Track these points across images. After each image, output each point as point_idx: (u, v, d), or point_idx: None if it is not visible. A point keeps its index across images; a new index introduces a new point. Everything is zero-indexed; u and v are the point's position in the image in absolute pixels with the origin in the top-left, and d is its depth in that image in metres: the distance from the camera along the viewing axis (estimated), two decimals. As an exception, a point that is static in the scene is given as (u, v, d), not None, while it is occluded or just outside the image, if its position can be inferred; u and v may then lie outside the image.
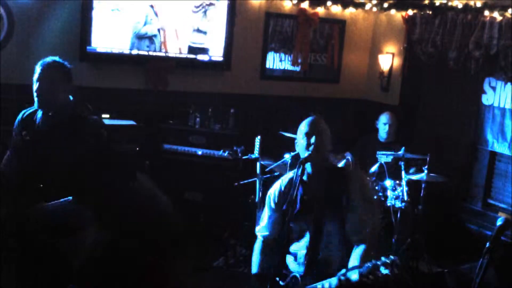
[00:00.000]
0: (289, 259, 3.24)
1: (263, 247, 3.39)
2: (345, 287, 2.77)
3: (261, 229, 3.42)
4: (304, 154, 3.16)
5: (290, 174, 3.34)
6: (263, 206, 3.51)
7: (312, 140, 3.13)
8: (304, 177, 3.20)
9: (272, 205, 3.34)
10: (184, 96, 6.34)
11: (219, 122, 6.29)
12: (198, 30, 6.24)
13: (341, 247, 3.14)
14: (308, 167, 3.18)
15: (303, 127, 3.23)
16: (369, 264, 2.70)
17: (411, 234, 5.33)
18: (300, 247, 3.19)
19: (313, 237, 3.11)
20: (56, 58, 3.58)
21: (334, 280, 2.82)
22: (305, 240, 3.15)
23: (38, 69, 3.50)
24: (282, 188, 3.31)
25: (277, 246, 3.27)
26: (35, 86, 3.47)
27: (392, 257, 2.67)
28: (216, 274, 5.13)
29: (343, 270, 2.82)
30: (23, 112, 3.65)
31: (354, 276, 2.73)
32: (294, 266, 3.21)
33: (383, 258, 2.68)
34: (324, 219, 3.09)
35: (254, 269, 3.35)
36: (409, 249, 5.29)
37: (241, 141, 5.82)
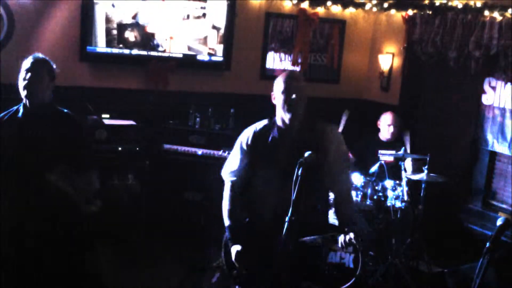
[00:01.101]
0: (259, 205, 3.24)
1: (233, 193, 3.40)
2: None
3: (231, 173, 3.41)
4: (282, 112, 3.22)
5: (264, 122, 3.36)
6: None
7: (293, 97, 3.17)
8: (281, 124, 3.25)
9: (244, 147, 3.32)
10: (184, 96, 6.35)
11: (219, 122, 6.29)
12: (198, 30, 6.25)
13: (314, 198, 3.20)
14: (278, 123, 3.26)
15: (280, 81, 3.29)
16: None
17: (411, 234, 5.33)
18: (269, 195, 3.17)
19: (281, 186, 3.07)
20: (45, 57, 3.74)
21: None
22: (274, 189, 3.13)
23: (29, 61, 3.63)
24: (256, 133, 3.31)
25: (246, 192, 3.31)
26: (25, 75, 3.59)
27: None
28: (216, 274, 5.12)
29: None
30: (2, 114, 3.73)
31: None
32: (265, 213, 3.19)
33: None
34: (293, 171, 3.01)
35: (227, 221, 3.39)
36: (409, 249, 5.29)
37: (241, 141, 5.82)
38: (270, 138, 3.24)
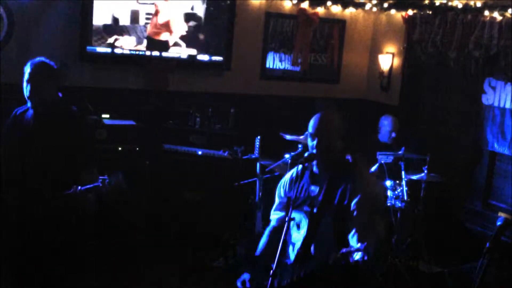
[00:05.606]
0: (290, 248, 3.23)
1: (271, 230, 3.40)
2: (322, 269, 2.85)
3: (272, 212, 3.46)
4: (310, 151, 3.14)
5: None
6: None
7: (315, 142, 3.09)
8: (314, 169, 3.19)
9: (281, 191, 3.35)
10: (184, 96, 6.35)
11: (219, 122, 6.30)
12: (198, 30, 6.26)
13: (334, 245, 3.04)
14: (313, 165, 3.17)
15: (310, 125, 3.15)
16: (344, 250, 2.75)
17: (411, 234, 5.33)
18: (297, 237, 3.17)
19: (309, 229, 3.08)
20: (44, 59, 3.82)
21: (313, 263, 2.91)
22: (303, 231, 3.13)
23: (28, 67, 3.74)
24: (294, 176, 3.27)
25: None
26: (25, 83, 3.72)
27: (366, 243, 2.70)
28: (216, 274, 5.13)
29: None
30: (16, 110, 3.88)
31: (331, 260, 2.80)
32: (291, 255, 3.20)
33: (359, 245, 2.71)
34: (323, 213, 3.06)
35: (257, 251, 3.38)
36: (409, 249, 5.29)
37: (241, 141, 5.83)
38: (300, 184, 3.17)
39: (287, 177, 3.36)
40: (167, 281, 5.00)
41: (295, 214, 3.17)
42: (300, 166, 3.21)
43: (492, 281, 4.31)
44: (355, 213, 3.01)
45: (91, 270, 4.69)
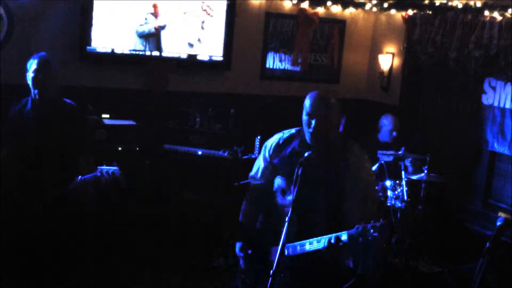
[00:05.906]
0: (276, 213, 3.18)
1: (252, 194, 3.38)
2: (334, 247, 2.74)
3: (252, 176, 3.40)
4: (305, 130, 3.08)
5: (292, 131, 3.25)
6: None
7: (313, 122, 3.01)
8: (307, 138, 3.10)
9: (266, 154, 3.27)
10: (184, 96, 6.35)
11: (219, 122, 6.29)
12: (198, 30, 6.26)
13: (325, 218, 3.01)
14: (305, 135, 3.10)
15: (307, 103, 3.07)
16: (359, 226, 2.66)
17: (411, 234, 5.33)
18: (283, 202, 3.13)
19: (297, 197, 2.95)
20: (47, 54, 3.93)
21: (324, 239, 2.79)
22: (290, 197, 3.00)
23: (36, 60, 3.81)
24: (280, 142, 3.23)
25: (265, 196, 3.25)
26: (35, 75, 3.78)
27: (381, 221, 2.62)
28: (216, 274, 5.13)
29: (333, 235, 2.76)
30: (13, 106, 3.95)
31: (344, 237, 2.70)
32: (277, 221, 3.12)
33: (372, 221, 2.64)
34: (311, 185, 2.98)
35: (240, 217, 3.39)
36: (409, 249, 5.29)
37: (241, 141, 5.83)
38: (289, 150, 3.14)
39: (272, 141, 3.27)
40: (167, 281, 5.00)
41: (279, 180, 3.15)
42: (288, 133, 3.22)
43: (492, 281, 4.31)
44: (347, 193, 2.96)
45: (91, 270, 4.69)
